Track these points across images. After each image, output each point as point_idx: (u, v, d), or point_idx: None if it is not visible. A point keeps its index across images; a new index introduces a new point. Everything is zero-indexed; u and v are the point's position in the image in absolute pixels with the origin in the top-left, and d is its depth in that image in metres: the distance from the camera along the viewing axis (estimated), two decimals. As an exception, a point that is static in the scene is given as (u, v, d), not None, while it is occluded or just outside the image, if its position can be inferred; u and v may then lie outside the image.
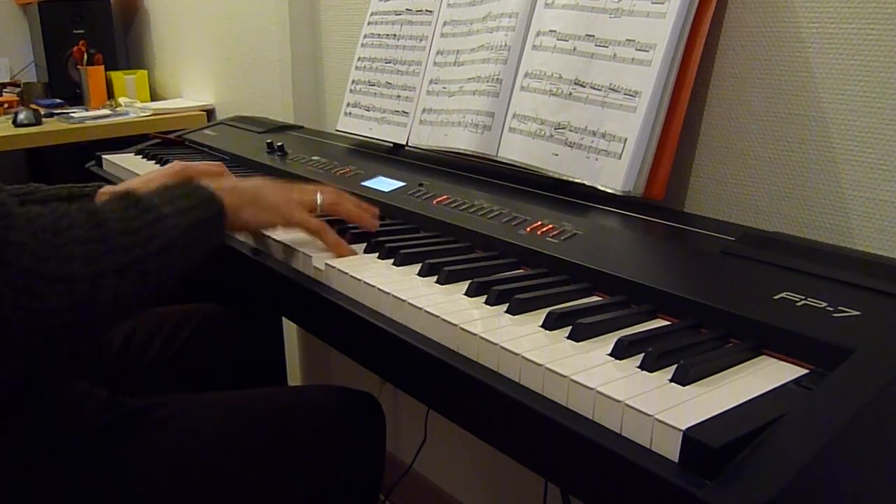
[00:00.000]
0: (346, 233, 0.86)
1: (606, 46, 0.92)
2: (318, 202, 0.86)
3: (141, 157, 1.43)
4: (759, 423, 0.46)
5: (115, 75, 2.26)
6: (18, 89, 2.29)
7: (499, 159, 1.04)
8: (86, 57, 2.19)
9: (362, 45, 1.33)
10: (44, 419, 0.78)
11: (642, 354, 0.55)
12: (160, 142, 1.55)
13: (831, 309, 0.58)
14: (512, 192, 0.95)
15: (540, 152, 0.97)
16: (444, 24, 1.18)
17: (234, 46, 1.97)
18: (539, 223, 0.82)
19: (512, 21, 1.04)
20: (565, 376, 0.52)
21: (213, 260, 0.77)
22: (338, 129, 1.36)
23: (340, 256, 0.81)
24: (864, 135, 0.79)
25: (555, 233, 0.79)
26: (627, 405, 0.48)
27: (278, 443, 0.87)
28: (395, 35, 1.27)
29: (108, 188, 0.96)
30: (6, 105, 2.14)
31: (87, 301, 0.63)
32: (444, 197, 0.94)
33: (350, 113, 1.34)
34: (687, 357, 0.54)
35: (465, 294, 0.69)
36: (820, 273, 0.64)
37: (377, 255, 0.80)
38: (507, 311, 0.65)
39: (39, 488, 0.75)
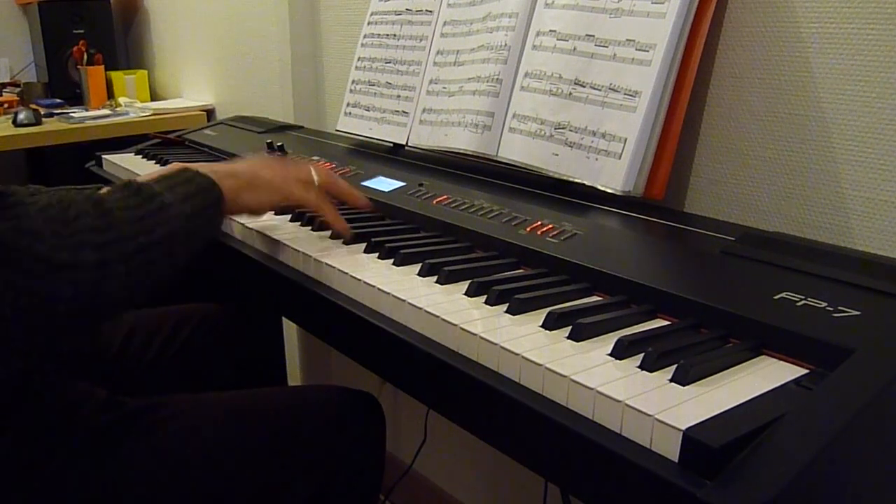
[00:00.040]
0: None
1: (606, 46, 0.92)
2: (315, 178, 0.87)
3: (141, 157, 1.43)
4: (759, 423, 0.46)
5: (115, 75, 2.26)
6: (18, 89, 2.29)
7: (499, 159, 1.04)
8: (86, 57, 2.19)
9: (362, 45, 1.33)
10: (44, 419, 0.78)
11: (642, 354, 0.55)
12: (160, 142, 1.55)
13: (831, 309, 0.58)
14: (512, 192, 0.94)
15: (540, 152, 0.97)
16: (444, 24, 1.18)
17: (234, 46, 1.97)
18: (539, 223, 0.82)
19: (512, 21, 1.04)
20: (565, 376, 0.52)
21: (213, 260, 0.77)
22: (338, 129, 1.36)
23: (341, 231, 0.84)
24: (864, 135, 0.79)
25: (555, 233, 0.79)
26: (627, 405, 0.48)
27: (278, 443, 0.87)
28: (395, 35, 1.27)
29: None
30: (6, 105, 2.14)
31: (93, 290, 0.63)
32: (444, 197, 0.94)
33: (350, 113, 1.34)
34: (687, 357, 0.54)
35: (465, 294, 0.69)
36: (820, 273, 0.64)
37: (377, 254, 0.80)
38: (507, 311, 0.65)
39: (39, 488, 0.75)
